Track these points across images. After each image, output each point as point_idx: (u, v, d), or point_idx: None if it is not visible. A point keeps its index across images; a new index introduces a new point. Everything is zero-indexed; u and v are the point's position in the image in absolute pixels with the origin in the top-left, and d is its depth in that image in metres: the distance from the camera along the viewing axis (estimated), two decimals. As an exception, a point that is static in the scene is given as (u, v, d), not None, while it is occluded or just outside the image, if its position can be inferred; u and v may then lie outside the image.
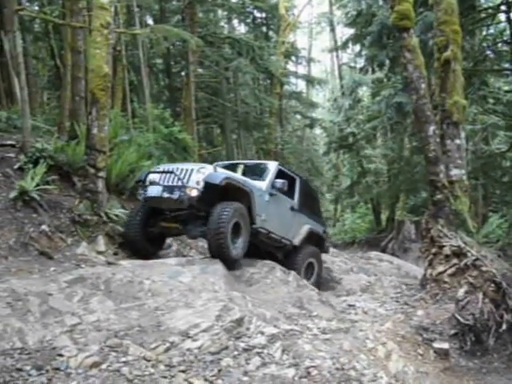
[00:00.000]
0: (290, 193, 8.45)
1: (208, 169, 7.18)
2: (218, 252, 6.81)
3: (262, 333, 5.03)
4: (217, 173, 7.14)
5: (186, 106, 18.11)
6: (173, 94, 21.67)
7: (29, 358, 3.78)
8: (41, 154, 8.01)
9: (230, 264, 6.92)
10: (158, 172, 7.49)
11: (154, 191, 7.22)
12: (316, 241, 8.93)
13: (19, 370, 3.63)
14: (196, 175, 7.07)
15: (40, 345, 3.99)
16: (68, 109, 11.21)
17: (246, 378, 4.11)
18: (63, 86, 12.31)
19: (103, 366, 3.83)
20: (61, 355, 3.88)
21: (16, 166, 7.91)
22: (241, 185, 7.29)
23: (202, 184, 6.95)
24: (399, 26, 7.62)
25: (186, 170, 7.20)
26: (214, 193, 7.02)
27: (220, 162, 9.65)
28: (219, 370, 4.15)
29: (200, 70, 20.92)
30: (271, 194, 8.06)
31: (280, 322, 5.57)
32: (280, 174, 8.41)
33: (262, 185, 8.03)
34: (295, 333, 5.28)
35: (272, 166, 8.56)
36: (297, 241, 8.43)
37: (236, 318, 5.14)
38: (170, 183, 7.22)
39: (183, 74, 21.30)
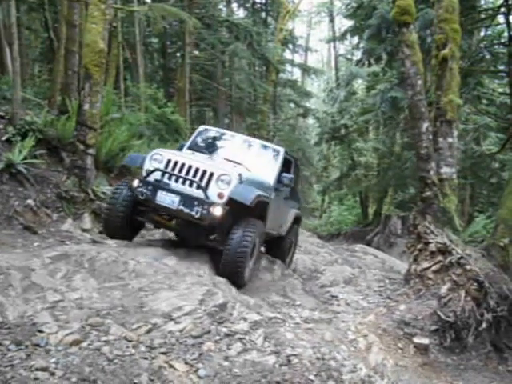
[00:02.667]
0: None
1: (230, 175, 5.96)
2: (232, 275, 5.96)
3: (245, 319, 5.04)
4: (244, 187, 5.98)
5: (180, 87, 18.01)
6: (167, 75, 21.51)
7: (8, 332, 3.73)
8: (30, 127, 7.91)
9: (239, 286, 6.06)
10: (169, 173, 6.10)
11: (166, 200, 5.95)
12: (296, 220, 8.53)
13: (-2, 344, 3.59)
14: (217, 185, 5.92)
15: (20, 320, 3.95)
16: (60, 83, 11.06)
17: (226, 363, 4.11)
18: (56, 60, 12.14)
19: (83, 345, 3.81)
20: (41, 331, 3.84)
21: (4, 138, 7.79)
22: (266, 198, 6.35)
23: (225, 198, 5.88)
24: (399, 20, 7.56)
25: (204, 173, 5.98)
26: (237, 209, 6.01)
27: (206, 127, 8.08)
28: (200, 354, 4.14)
29: (196, 52, 20.76)
30: (276, 190, 7.14)
31: (263, 309, 5.58)
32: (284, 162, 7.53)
33: (269, 179, 7.03)
34: (278, 321, 5.30)
35: (280, 155, 7.41)
36: (284, 230, 7.92)
37: (219, 302, 5.13)
38: (187, 191, 5.96)
39: (178, 54, 21.15)
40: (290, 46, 27.62)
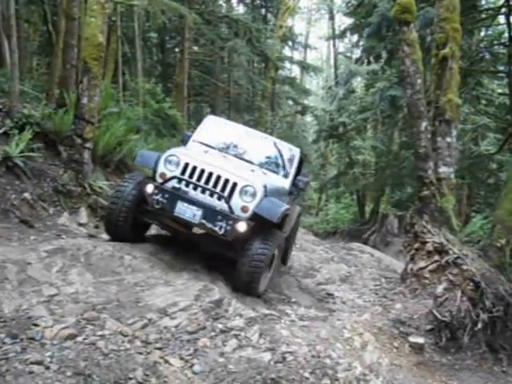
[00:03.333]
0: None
1: (255, 187, 5.52)
2: (247, 288, 5.64)
3: (241, 315, 5.04)
4: (270, 202, 5.59)
5: (179, 82, 17.96)
6: (165, 70, 21.47)
7: (4, 325, 3.71)
8: (27, 120, 7.87)
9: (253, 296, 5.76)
10: (188, 181, 5.59)
11: (187, 213, 5.45)
12: (298, 216, 8.21)
13: (-7, 337, 3.57)
14: (240, 197, 5.49)
15: (16, 313, 3.93)
16: (58, 76, 11.01)
17: (221, 360, 4.10)
18: (54, 53, 12.07)
19: (79, 339, 3.79)
20: (36, 325, 3.82)
21: (1, 131, 7.75)
22: (288, 211, 6.02)
23: (249, 213, 5.47)
24: (400, 18, 7.54)
25: (226, 182, 5.52)
26: (261, 224, 5.59)
27: (215, 117, 7.51)
28: (195, 350, 4.13)
29: (195, 48, 20.72)
30: (290, 193, 6.82)
31: (259, 306, 5.59)
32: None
33: (285, 184, 6.64)
34: (273, 318, 5.29)
35: (296, 158, 7.02)
36: (288, 229, 7.36)
37: (215, 298, 5.14)
38: (209, 202, 5.49)
39: (177, 50, 21.09)
40: (290, 42, 27.61)
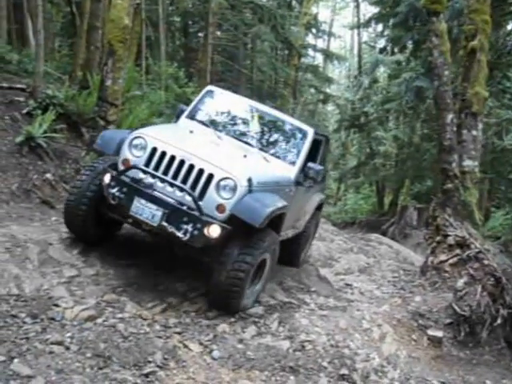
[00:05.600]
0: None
1: (235, 179, 4.37)
2: (224, 303, 4.55)
3: (260, 302, 5.04)
4: (253, 200, 4.40)
5: (202, 67, 17.91)
6: (188, 55, 21.40)
7: (24, 305, 3.76)
8: (51, 100, 7.89)
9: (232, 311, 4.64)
10: (151, 173, 4.47)
11: (145, 212, 4.34)
12: (318, 207, 7.22)
13: (14, 316, 3.61)
14: (217, 192, 4.35)
15: (36, 293, 3.97)
16: (81, 58, 11.04)
17: (240, 346, 4.11)
18: (78, 35, 12.11)
19: (99, 321, 3.83)
20: (57, 305, 3.87)
21: (24, 111, 7.80)
22: (282, 210, 4.83)
23: (227, 213, 4.36)
24: (430, 9, 7.43)
25: (200, 172, 4.38)
26: (242, 229, 4.41)
27: (215, 89, 6.29)
28: (215, 336, 4.15)
29: (218, 33, 20.58)
30: (297, 183, 5.58)
31: (278, 293, 5.58)
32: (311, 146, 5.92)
33: (290, 173, 5.44)
34: (292, 306, 5.29)
35: (307, 139, 5.77)
36: (302, 224, 6.45)
37: (235, 285, 5.13)
38: (175, 199, 4.38)
39: (200, 34, 20.99)
40: (314, 30, 27.23)
